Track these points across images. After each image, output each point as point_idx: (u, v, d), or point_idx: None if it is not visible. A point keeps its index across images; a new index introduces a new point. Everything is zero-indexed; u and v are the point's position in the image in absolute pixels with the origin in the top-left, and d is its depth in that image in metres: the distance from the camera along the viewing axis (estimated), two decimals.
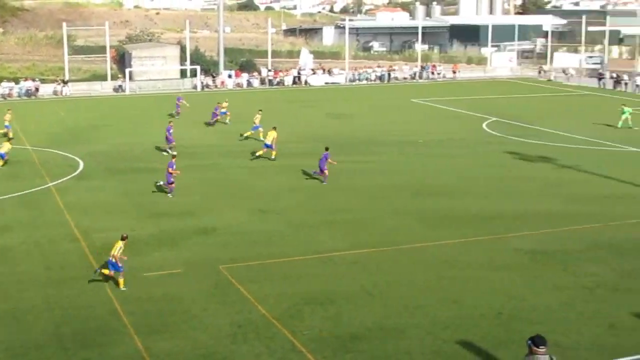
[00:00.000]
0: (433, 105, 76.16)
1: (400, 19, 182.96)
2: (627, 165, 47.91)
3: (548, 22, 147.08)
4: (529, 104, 78.89)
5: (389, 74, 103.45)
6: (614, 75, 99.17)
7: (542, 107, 76.12)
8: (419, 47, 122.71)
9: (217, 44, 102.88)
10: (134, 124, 65.42)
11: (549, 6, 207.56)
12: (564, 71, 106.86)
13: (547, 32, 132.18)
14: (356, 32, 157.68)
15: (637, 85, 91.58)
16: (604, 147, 53.88)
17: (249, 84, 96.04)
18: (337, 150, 51.35)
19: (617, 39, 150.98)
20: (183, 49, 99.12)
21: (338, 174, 44.25)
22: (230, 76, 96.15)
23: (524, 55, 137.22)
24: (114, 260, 26.89)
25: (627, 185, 42.46)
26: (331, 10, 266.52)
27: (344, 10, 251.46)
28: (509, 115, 68.07)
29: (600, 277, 28.02)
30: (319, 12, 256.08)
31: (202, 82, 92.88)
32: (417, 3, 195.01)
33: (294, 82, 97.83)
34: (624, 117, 62.69)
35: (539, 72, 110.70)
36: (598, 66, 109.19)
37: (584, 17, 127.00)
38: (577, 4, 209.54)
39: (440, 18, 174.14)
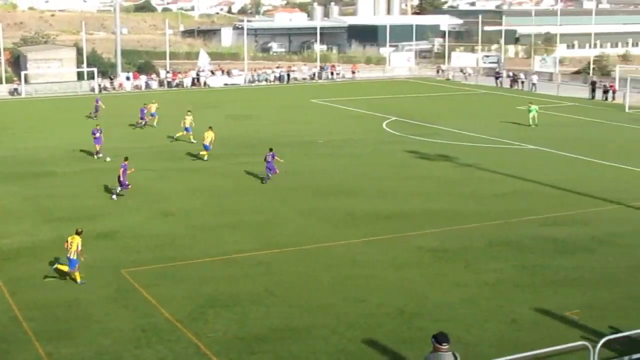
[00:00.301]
0: (333, 106, 76.42)
1: (298, 19, 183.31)
2: (526, 163, 48.71)
3: (445, 22, 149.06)
4: (428, 104, 79.79)
5: (289, 75, 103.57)
6: (511, 74, 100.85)
7: (441, 107, 77.02)
8: (318, 47, 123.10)
9: (114, 46, 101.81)
10: (33, 128, 64.16)
11: (445, 6, 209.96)
12: (461, 70, 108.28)
13: (444, 32, 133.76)
14: (255, 33, 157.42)
15: (534, 84, 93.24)
16: (502, 145, 54.69)
17: (148, 85, 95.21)
18: (239, 151, 51.47)
19: (513, 38, 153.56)
20: (80, 51, 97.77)
21: (240, 176, 44.21)
22: (128, 78, 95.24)
23: (422, 55, 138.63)
24: (73, 257, 27.06)
25: (526, 182, 43.13)
26: (229, 11, 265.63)
27: (242, 11, 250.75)
28: (409, 115, 68.65)
29: (502, 273, 28.38)
30: (217, 13, 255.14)
31: (99, 85, 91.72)
32: (315, 4, 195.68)
33: (193, 84, 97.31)
34: (531, 115, 63.73)
35: (437, 72, 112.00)
36: (495, 65, 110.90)
37: (480, 17, 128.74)
38: (473, 4, 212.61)
39: (338, 18, 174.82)
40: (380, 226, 34.51)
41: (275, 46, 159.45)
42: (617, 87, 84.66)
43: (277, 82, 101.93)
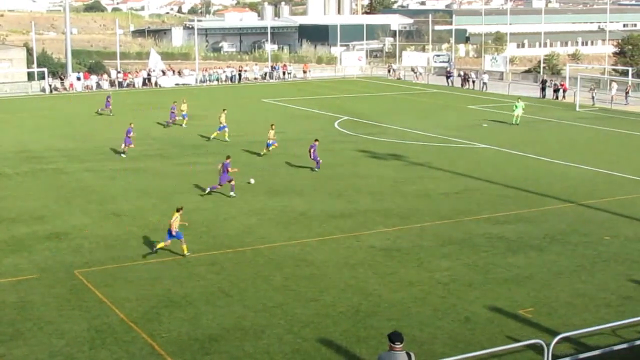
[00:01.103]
0: (285, 105, 76.41)
1: (249, 19, 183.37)
2: (477, 162, 48.97)
3: (396, 22, 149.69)
4: (380, 103, 79.99)
5: (240, 75, 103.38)
6: (462, 73, 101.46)
7: (392, 106, 77.24)
8: (269, 47, 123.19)
9: (64, 46, 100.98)
10: None
11: (396, 6, 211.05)
12: (412, 70, 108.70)
13: (395, 32, 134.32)
14: (205, 32, 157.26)
15: (484, 83, 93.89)
16: (453, 144, 54.94)
17: (99, 86, 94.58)
18: (189, 151, 51.25)
19: (464, 37, 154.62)
20: (29, 52, 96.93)
21: (189, 176, 44.03)
22: (79, 78, 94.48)
23: (373, 54, 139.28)
24: (172, 230, 29.80)
25: (477, 181, 43.37)
26: (179, 11, 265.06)
27: (193, 11, 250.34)
28: (360, 114, 68.79)
29: (454, 272, 28.47)
30: (167, 13, 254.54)
31: (50, 85, 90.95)
32: (266, 3, 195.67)
33: (144, 84, 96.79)
34: (516, 112, 64.37)
35: (389, 71, 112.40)
36: (446, 65, 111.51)
37: (430, 16, 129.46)
38: (423, 3, 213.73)
39: (289, 18, 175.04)
40: (333, 225, 34.52)
41: (226, 46, 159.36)
42: (567, 86, 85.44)
43: (228, 82, 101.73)
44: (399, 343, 15.45)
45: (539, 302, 25.47)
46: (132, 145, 50.21)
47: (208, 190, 40.08)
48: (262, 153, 50.20)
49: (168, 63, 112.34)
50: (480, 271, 28.64)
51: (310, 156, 45.10)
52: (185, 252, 30.22)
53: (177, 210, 30.51)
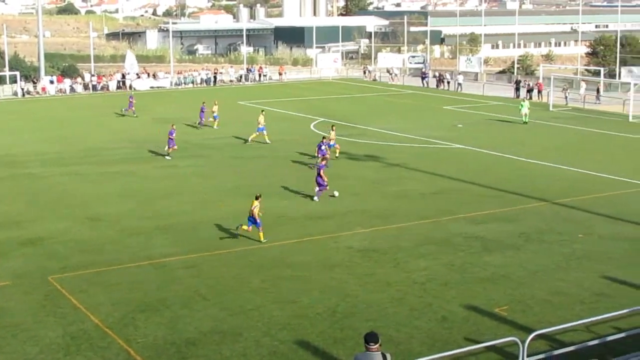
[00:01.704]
0: (261, 108, 76.22)
1: (224, 21, 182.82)
2: (453, 162, 49.14)
3: (371, 23, 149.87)
4: (356, 104, 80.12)
5: (215, 77, 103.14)
6: (437, 74, 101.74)
7: (368, 107, 77.37)
8: (245, 49, 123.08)
9: (37, 49, 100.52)
10: None
11: (371, 7, 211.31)
12: (388, 71, 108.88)
13: (370, 33, 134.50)
14: (180, 35, 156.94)
15: (459, 84, 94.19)
16: (430, 145, 55.11)
17: (72, 89, 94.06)
18: (165, 154, 51.01)
19: (439, 39, 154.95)
20: (1, 55, 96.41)
21: (167, 179, 43.97)
22: (52, 82, 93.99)
23: (348, 56, 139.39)
24: (252, 217, 31.86)
25: (453, 181, 43.53)
26: (154, 14, 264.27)
27: (167, 14, 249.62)
28: (337, 116, 68.83)
29: (431, 272, 28.57)
30: (142, 15, 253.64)
31: (22, 89, 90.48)
32: (241, 5, 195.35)
33: (119, 87, 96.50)
34: (523, 111, 65.05)
35: (364, 73, 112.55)
36: (421, 66, 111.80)
37: (405, 17, 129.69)
38: (398, 5, 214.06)
39: (264, 20, 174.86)
40: (311, 227, 34.58)
41: (201, 48, 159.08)
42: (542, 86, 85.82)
43: (204, 85, 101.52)
44: (373, 343, 15.49)
45: (515, 300, 25.62)
46: (175, 147, 50.24)
47: (316, 198, 39.72)
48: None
49: (143, 66, 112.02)
50: (457, 270, 28.76)
51: (317, 153, 45.06)
52: (262, 239, 32.02)
53: (256, 198, 32.31)
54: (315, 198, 39.21)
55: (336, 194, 39.70)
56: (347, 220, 35.41)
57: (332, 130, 50.42)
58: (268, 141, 55.09)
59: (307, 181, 43.46)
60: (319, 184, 39.23)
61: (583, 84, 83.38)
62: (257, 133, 55.55)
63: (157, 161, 49.58)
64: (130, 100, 70.76)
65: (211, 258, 30.39)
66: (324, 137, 48.26)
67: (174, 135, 50.23)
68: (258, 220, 32.00)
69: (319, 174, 39.25)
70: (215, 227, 34.76)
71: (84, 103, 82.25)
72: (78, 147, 54.63)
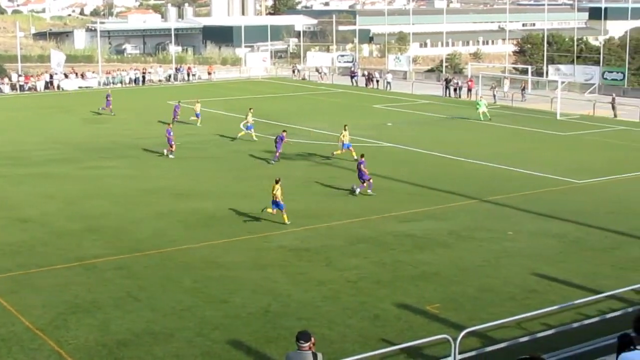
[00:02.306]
0: (190, 107, 75.86)
1: (152, 21, 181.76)
2: (382, 160, 49.30)
3: (300, 22, 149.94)
4: (285, 104, 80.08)
5: (144, 77, 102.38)
6: (366, 73, 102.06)
7: (298, 106, 77.43)
8: (173, 49, 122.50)
9: None
10: None
11: (299, 6, 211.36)
12: (317, 70, 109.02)
13: (299, 32, 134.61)
14: (108, 35, 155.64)
15: (388, 83, 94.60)
16: (359, 144, 55.19)
17: None
18: (94, 155, 50.69)
19: (367, 37, 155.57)
20: None
21: (95, 180, 43.60)
22: None
23: (277, 55, 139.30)
24: (277, 200, 34.14)
25: (383, 179, 43.66)
26: (81, 13, 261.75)
27: (95, 13, 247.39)
28: (266, 115, 68.73)
29: (363, 270, 28.69)
30: (69, 15, 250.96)
31: None
32: (169, 5, 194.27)
33: (47, 87, 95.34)
34: (480, 110, 66.17)
35: (293, 72, 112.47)
36: (350, 65, 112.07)
37: (334, 16, 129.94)
38: (327, 4, 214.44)
39: (192, 19, 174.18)
40: (240, 227, 34.51)
41: (129, 48, 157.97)
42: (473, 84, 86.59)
43: (132, 84, 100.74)
44: (303, 342, 15.56)
45: (446, 298, 25.84)
46: (173, 148, 50.44)
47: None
48: (335, 153, 50.04)
49: (71, 66, 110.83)
50: (388, 269, 28.92)
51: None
52: (286, 221, 34.25)
53: (277, 182, 34.26)
54: (364, 191, 40.26)
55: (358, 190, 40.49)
56: (278, 220, 35.36)
57: (345, 130, 50.25)
58: (255, 139, 55.80)
59: (237, 181, 43.47)
60: (362, 178, 40.15)
61: (507, 82, 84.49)
62: (245, 131, 56.61)
63: (82, 162, 49.01)
64: (108, 98, 70.14)
65: (141, 259, 30.18)
66: (283, 131, 49.66)
67: (171, 134, 50.36)
68: (281, 203, 34.15)
69: (360, 169, 40.21)
70: (145, 227, 34.58)
71: (10, 104, 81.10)
72: (4, 149, 53.86)
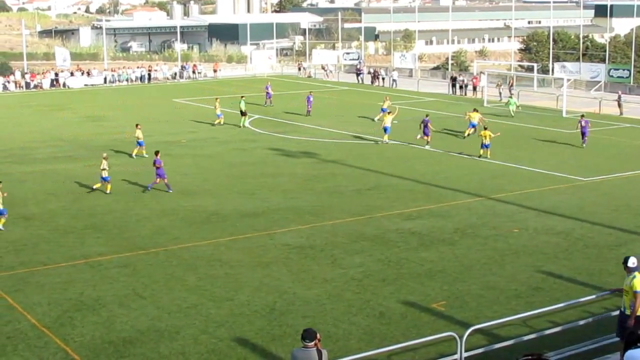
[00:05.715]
0: (196, 105, 75.96)
1: (158, 18, 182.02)
2: (388, 158, 49.28)
3: (305, 20, 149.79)
4: (291, 101, 79.86)
5: (149, 74, 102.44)
6: (371, 70, 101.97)
7: (303, 104, 77.17)
8: (179, 46, 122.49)
9: None
10: None
11: (305, 4, 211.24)
12: (323, 68, 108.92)
13: (305, 30, 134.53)
14: (114, 32, 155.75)
15: (394, 80, 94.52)
16: (364, 141, 55.23)
17: (5, 87, 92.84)
18: (95, 153, 50.48)
19: (373, 35, 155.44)
20: None
21: (99, 178, 43.55)
22: None
23: (283, 52, 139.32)
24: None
25: (387, 177, 43.67)
26: (87, 11, 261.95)
27: (100, 11, 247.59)
28: (272, 113, 68.69)
29: (368, 268, 28.65)
30: (75, 12, 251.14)
31: None
32: (174, 2, 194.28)
33: (52, 85, 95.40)
34: (511, 108, 68.28)
35: (299, 69, 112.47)
36: (356, 62, 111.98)
37: (339, 14, 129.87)
38: (332, 1, 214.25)
39: (198, 17, 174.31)
40: (245, 224, 34.47)
41: (135, 46, 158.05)
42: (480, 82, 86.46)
43: (138, 82, 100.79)
44: (308, 340, 15.53)
45: (452, 296, 25.79)
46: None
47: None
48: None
49: (76, 63, 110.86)
50: (393, 266, 28.87)
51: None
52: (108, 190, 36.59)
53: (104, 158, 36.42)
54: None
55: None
56: (281, 218, 35.34)
57: (386, 99, 53.13)
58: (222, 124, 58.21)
59: (239, 178, 43.46)
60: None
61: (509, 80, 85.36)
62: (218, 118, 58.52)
63: (85, 160, 48.95)
64: (268, 90, 75.50)
65: (145, 256, 30.17)
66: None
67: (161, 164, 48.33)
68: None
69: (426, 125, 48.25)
70: (148, 225, 34.56)
71: (16, 101, 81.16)
72: (8, 146, 53.91)
